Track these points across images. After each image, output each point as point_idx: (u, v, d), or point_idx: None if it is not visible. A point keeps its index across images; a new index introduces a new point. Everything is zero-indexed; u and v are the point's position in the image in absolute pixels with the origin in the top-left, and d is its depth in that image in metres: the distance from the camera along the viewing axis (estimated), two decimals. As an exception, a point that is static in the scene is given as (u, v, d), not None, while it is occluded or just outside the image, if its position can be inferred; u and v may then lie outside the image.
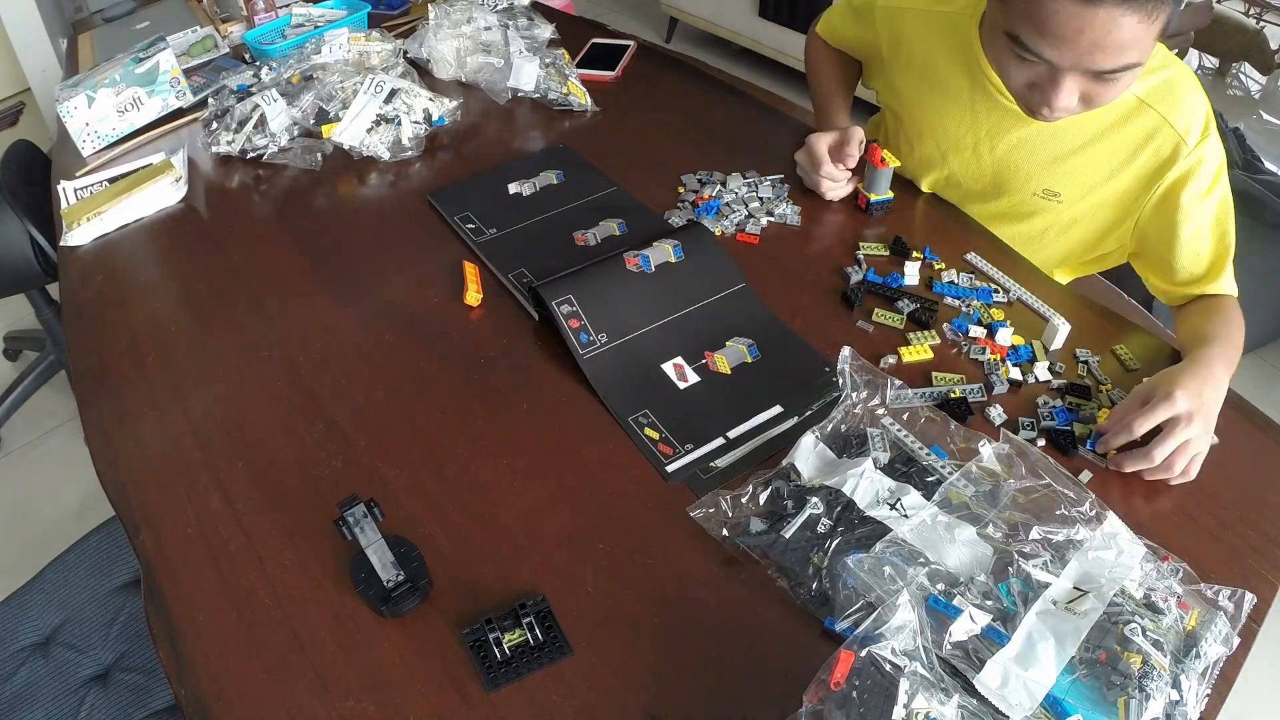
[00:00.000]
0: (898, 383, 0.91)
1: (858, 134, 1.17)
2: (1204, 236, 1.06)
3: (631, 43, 1.65)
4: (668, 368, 0.99)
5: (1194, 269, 1.08)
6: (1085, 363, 0.99)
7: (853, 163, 1.19)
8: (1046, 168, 1.12)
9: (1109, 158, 1.08)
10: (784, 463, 0.86)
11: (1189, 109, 1.03)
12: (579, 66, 1.56)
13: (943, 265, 1.12)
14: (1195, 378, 0.90)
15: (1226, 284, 1.08)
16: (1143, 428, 0.87)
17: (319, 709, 0.72)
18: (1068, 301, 1.08)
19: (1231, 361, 0.99)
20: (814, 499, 0.80)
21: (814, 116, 1.35)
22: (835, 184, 1.22)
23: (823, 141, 1.20)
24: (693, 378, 0.98)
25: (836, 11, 1.35)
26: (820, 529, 0.79)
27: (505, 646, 0.74)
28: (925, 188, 1.26)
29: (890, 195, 1.20)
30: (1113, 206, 1.12)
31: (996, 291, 1.08)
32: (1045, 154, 1.11)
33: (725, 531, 0.81)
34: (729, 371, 0.99)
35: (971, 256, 1.12)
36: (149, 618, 0.79)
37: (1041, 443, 0.90)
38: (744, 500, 0.83)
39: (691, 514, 0.83)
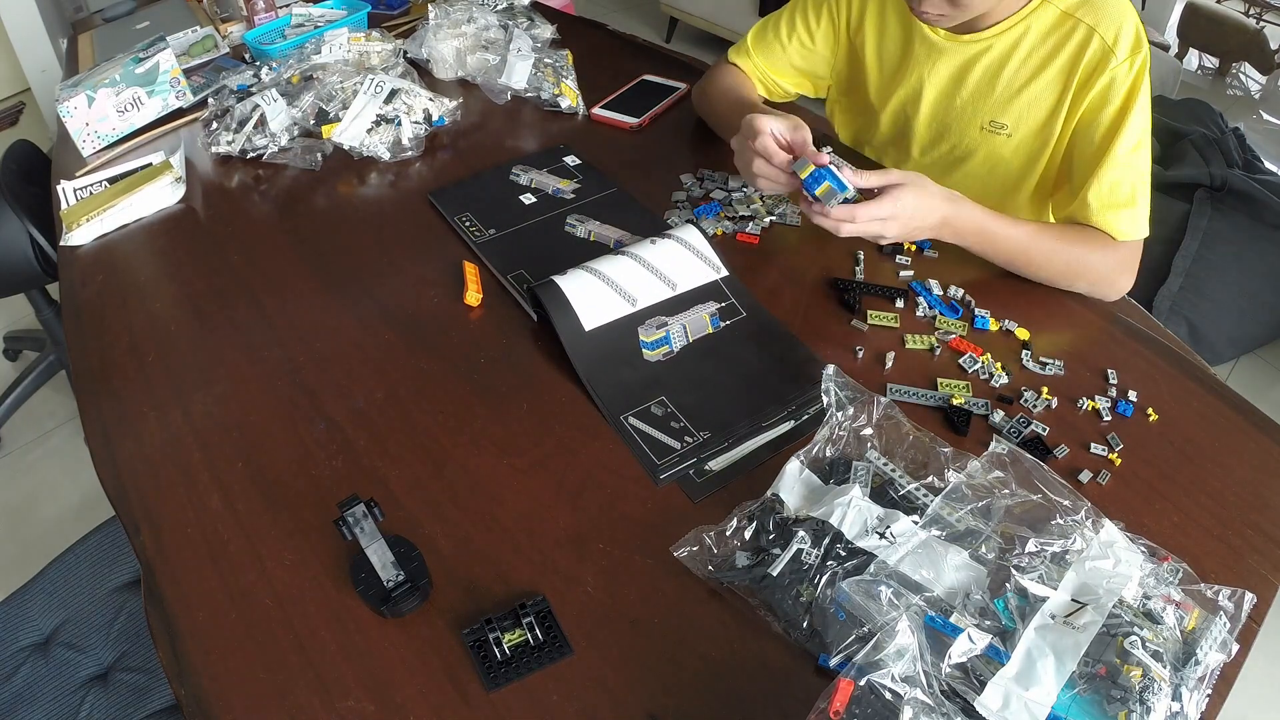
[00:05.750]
0: (885, 400, 0.87)
1: (805, 128, 1.02)
2: (1115, 165, 1.05)
3: (682, 85, 1.51)
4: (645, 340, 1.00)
5: (1099, 196, 1.06)
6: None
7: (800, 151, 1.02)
8: (988, 99, 1.15)
9: (1053, 80, 1.09)
10: (768, 493, 0.82)
11: (1114, 16, 1.03)
12: (603, 106, 1.46)
13: (906, 248, 1.13)
14: (950, 195, 0.92)
15: (1126, 224, 1.06)
16: (860, 180, 0.90)
17: (319, 709, 0.72)
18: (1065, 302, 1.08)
19: (1012, 238, 1.00)
20: (800, 532, 0.77)
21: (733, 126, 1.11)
22: (772, 176, 1.03)
23: (767, 120, 1.02)
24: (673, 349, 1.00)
25: (778, 23, 1.31)
26: (808, 560, 0.76)
27: (505, 646, 0.74)
28: (879, 139, 1.30)
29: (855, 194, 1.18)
30: (1049, 123, 1.12)
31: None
32: (986, 84, 1.14)
33: (710, 568, 0.78)
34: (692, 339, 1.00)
35: (952, 290, 1.07)
36: (149, 618, 0.79)
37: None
38: (728, 534, 0.80)
39: (675, 553, 0.80)
